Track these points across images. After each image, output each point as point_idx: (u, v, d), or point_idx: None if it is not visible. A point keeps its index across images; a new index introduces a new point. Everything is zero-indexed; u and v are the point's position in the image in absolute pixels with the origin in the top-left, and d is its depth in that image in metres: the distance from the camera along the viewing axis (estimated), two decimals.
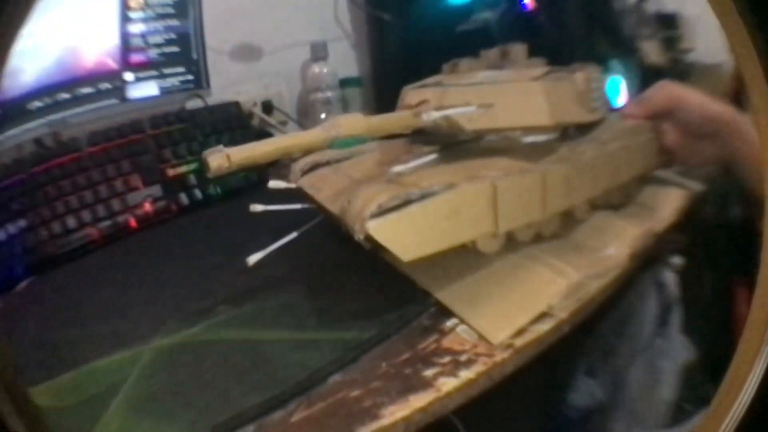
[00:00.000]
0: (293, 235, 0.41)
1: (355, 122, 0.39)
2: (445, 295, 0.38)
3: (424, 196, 0.35)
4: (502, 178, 0.37)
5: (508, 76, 0.45)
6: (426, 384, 0.31)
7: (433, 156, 0.44)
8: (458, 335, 0.35)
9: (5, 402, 0.24)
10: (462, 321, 0.36)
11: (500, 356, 0.33)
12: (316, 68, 0.83)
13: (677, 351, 0.49)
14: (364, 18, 0.87)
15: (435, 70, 0.51)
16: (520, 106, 0.42)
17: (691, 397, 0.47)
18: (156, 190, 0.64)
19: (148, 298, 0.47)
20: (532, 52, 0.50)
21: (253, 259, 0.39)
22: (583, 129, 0.47)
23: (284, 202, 0.43)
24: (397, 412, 0.30)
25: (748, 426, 0.26)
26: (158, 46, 0.72)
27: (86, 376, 0.38)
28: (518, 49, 0.51)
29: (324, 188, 0.44)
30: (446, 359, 0.33)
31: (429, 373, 0.32)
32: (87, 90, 0.68)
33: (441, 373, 0.32)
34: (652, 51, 0.68)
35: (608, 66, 0.66)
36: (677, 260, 0.51)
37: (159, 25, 0.72)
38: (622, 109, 0.51)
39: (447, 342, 0.35)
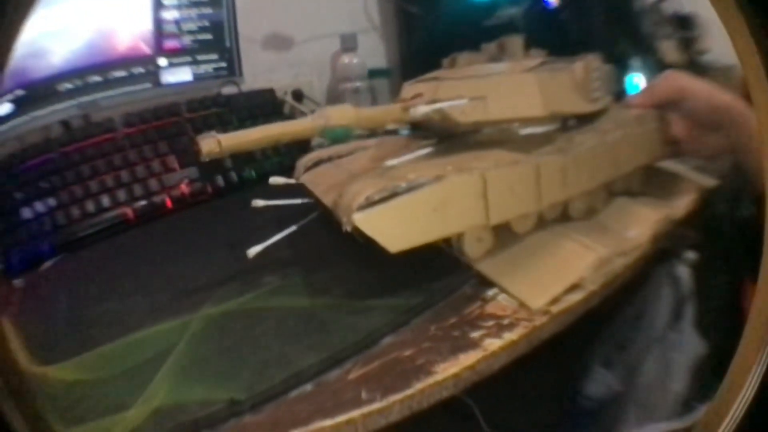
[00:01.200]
0: (292, 228, 0.42)
1: (343, 113, 0.39)
2: (485, 267, 0.40)
3: (410, 189, 0.35)
4: (491, 169, 0.37)
5: (502, 68, 0.46)
6: (473, 344, 0.34)
7: (428, 149, 0.45)
8: (499, 302, 0.38)
9: (7, 403, 0.24)
10: (502, 290, 0.38)
11: (539, 321, 0.36)
12: (345, 59, 0.84)
13: (690, 344, 0.49)
14: (392, 11, 0.89)
15: None
16: (513, 98, 0.41)
17: (699, 391, 0.47)
18: (192, 171, 0.64)
19: (189, 273, 0.47)
20: (554, 48, 0.50)
21: (253, 251, 0.40)
22: (585, 119, 0.47)
23: (292, 195, 0.44)
24: (448, 368, 0.32)
25: (749, 425, 0.26)
26: (192, 33, 0.74)
27: (129, 347, 0.38)
28: (515, 42, 0.51)
29: (322, 183, 0.45)
30: (490, 323, 0.36)
31: (475, 335, 0.35)
32: (120, 73, 0.69)
33: (486, 335, 0.34)
34: (669, 51, 0.69)
35: (628, 64, 0.68)
36: (691, 255, 0.51)
37: (192, 12, 0.73)
38: (627, 98, 0.51)
39: (490, 308, 0.37)
